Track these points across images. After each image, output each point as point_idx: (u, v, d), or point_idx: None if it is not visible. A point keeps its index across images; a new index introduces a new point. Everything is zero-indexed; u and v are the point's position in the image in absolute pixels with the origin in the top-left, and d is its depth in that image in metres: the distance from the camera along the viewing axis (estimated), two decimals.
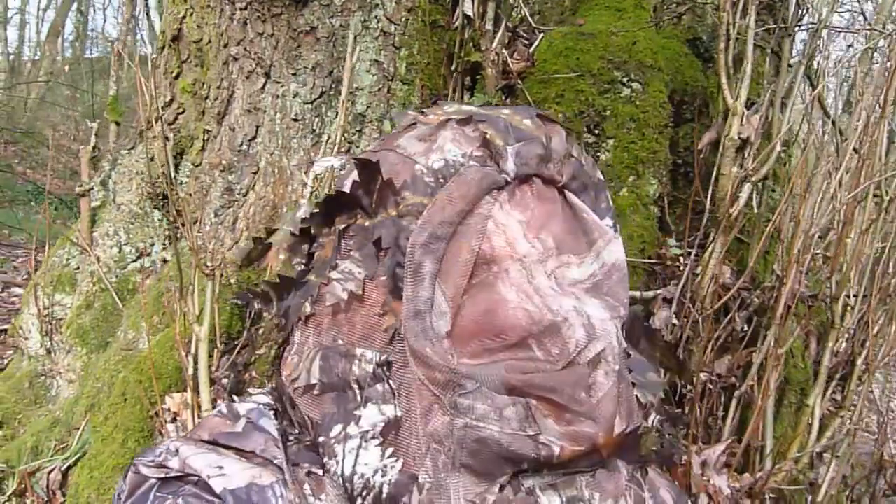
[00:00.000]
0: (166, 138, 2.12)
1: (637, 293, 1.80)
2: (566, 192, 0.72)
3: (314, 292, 0.67)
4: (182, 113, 2.23)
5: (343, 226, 0.67)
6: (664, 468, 0.79)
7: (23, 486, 1.69)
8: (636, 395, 0.72)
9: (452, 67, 2.03)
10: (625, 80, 1.96)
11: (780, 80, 1.79)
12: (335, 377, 0.63)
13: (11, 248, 5.66)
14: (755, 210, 1.81)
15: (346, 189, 0.66)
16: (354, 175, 0.66)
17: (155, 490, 0.62)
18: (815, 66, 1.85)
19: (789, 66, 1.81)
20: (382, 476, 0.60)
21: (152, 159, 2.17)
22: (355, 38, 1.99)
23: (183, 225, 1.67)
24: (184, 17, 2.21)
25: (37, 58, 11.51)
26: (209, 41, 2.14)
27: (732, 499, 1.53)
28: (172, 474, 0.62)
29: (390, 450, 0.61)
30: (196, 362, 1.53)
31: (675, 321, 1.68)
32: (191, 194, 2.11)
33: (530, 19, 2.12)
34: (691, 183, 1.89)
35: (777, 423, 1.93)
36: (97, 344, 2.00)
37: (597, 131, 1.94)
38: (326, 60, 2.00)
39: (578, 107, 1.93)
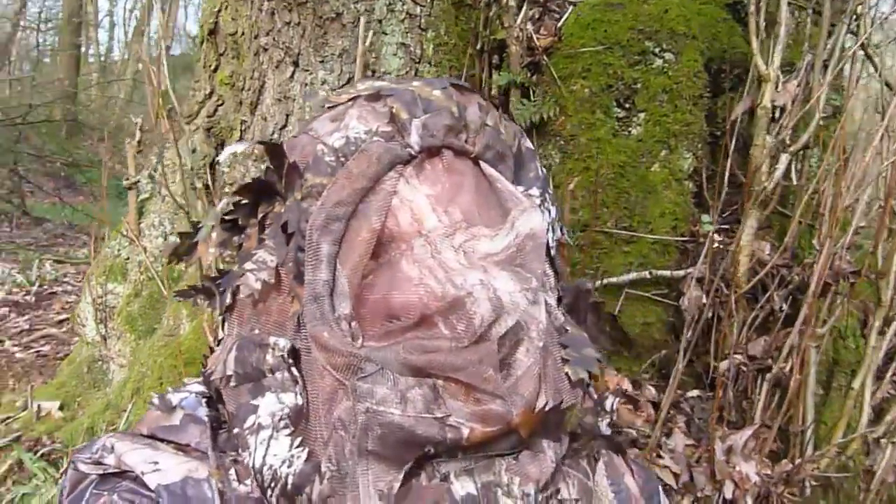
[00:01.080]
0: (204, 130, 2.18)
1: (667, 272, 1.74)
2: (481, 162, 0.69)
3: (234, 283, 0.66)
4: (221, 105, 2.29)
5: (262, 214, 0.66)
6: (617, 454, 0.75)
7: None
8: (566, 372, 0.68)
9: (478, 46, 2.00)
10: (656, 50, 1.87)
11: (820, 40, 1.67)
12: (250, 367, 0.62)
13: (101, 240, 5.97)
14: (794, 182, 1.70)
15: (262, 175, 0.65)
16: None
17: (92, 487, 0.62)
18: (862, 23, 1.71)
19: (832, 25, 1.69)
20: (289, 466, 0.59)
21: (194, 151, 2.24)
22: (379, 21, 1.99)
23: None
24: (219, 10, 2.26)
25: (126, 57, 12.07)
26: (243, 33, 2.18)
27: (763, 486, 1.46)
28: (110, 471, 0.63)
29: (299, 439, 0.60)
30: None
31: (704, 301, 1.61)
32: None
33: None
34: (732, 156, 1.80)
35: (826, 408, 1.83)
36: (144, 330, 2.09)
37: (627, 105, 1.87)
38: (353, 46, 2.00)
39: (606, 80, 1.86)
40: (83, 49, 11.57)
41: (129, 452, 0.63)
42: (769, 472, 1.46)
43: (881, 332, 1.64)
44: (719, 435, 1.42)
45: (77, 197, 8.57)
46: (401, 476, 0.59)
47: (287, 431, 0.61)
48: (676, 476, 1.43)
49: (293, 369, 0.62)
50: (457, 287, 0.61)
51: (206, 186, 2.22)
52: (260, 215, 0.66)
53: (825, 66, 1.66)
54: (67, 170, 9.07)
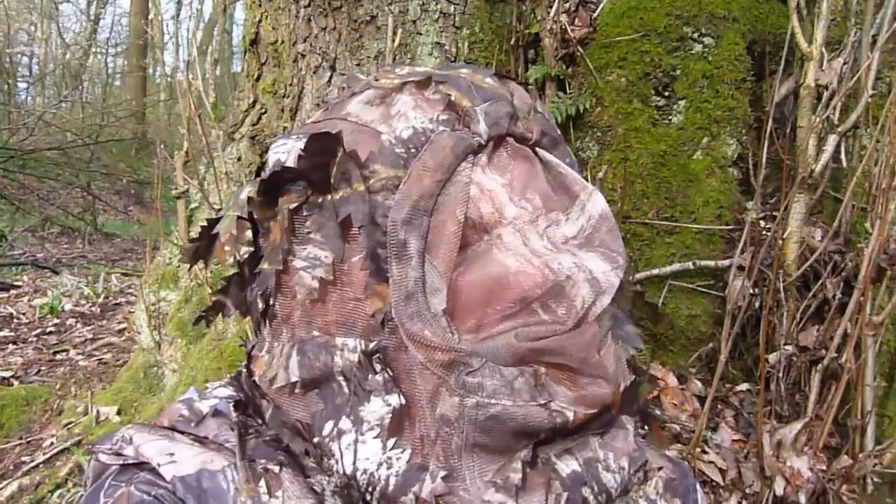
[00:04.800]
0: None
1: (712, 262, 1.68)
2: (538, 148, 0.67)
3: (269, 282, 0.63)
4: (265, 113, 2.33)
5: (293, 205, 0.60)
6: (644, 423, 0.72)
7: None
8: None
9: (513, 41, 1.98)
10: (695, 35, 1.82)
11: (867, 14, 1.59)
12: (317, 371, 0.60)
13: (155, 250, 6.17)
14: (844, 163, 1.62)
15: (291, 164, 0.61)
16: (297, 150, 0.62)
17: (111, 478, 0.63)
18: None
19: None
20: (388, 468, 0.57)
21: (239, 160, 2.29)
22: (414, 21, 1.99)
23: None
24: (259, 20, 2.30)
25: (191, 77, 12.43)
26: (282, 41, 2.22)
27: (818, 483, 1.39)
28: (129, 461, 0.63)
29: (392, 441, 0.58)
30: None
31: (751, 291, 1.55)
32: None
33: None
34: (779, 139, 1.73)
35: (891, 401, 1.74)
36: (195, 335, 2.14)
37: (666, 93, 1.83)
38: (388, 48, 2.01)
39: (643, 69, 1.82)
40: (149, 70, 12.01)
41: (146, 444, 0.63)
42: (824, 467, 1.39)
43: None
44: (767, 429, 1.36)
45: (146, 213, 8.87)
46: (515, 465, 0.59)
47: (373, 434, 0.59)
48: (723, 472, 1.38)
49: (388, 370, 0.60)
50: (554, 271, 0.59)
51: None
52: (290, 206, 0.61)
53: (874, 41, 1.58)
54: (136, 187, 9.40)
